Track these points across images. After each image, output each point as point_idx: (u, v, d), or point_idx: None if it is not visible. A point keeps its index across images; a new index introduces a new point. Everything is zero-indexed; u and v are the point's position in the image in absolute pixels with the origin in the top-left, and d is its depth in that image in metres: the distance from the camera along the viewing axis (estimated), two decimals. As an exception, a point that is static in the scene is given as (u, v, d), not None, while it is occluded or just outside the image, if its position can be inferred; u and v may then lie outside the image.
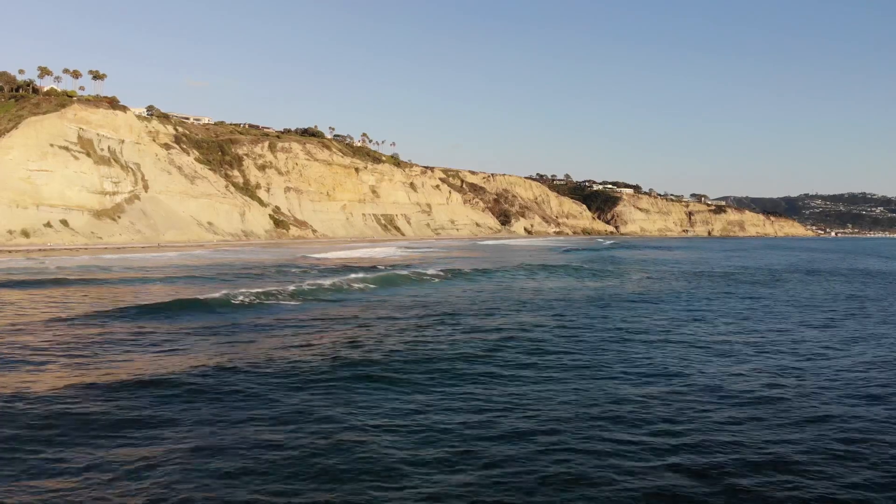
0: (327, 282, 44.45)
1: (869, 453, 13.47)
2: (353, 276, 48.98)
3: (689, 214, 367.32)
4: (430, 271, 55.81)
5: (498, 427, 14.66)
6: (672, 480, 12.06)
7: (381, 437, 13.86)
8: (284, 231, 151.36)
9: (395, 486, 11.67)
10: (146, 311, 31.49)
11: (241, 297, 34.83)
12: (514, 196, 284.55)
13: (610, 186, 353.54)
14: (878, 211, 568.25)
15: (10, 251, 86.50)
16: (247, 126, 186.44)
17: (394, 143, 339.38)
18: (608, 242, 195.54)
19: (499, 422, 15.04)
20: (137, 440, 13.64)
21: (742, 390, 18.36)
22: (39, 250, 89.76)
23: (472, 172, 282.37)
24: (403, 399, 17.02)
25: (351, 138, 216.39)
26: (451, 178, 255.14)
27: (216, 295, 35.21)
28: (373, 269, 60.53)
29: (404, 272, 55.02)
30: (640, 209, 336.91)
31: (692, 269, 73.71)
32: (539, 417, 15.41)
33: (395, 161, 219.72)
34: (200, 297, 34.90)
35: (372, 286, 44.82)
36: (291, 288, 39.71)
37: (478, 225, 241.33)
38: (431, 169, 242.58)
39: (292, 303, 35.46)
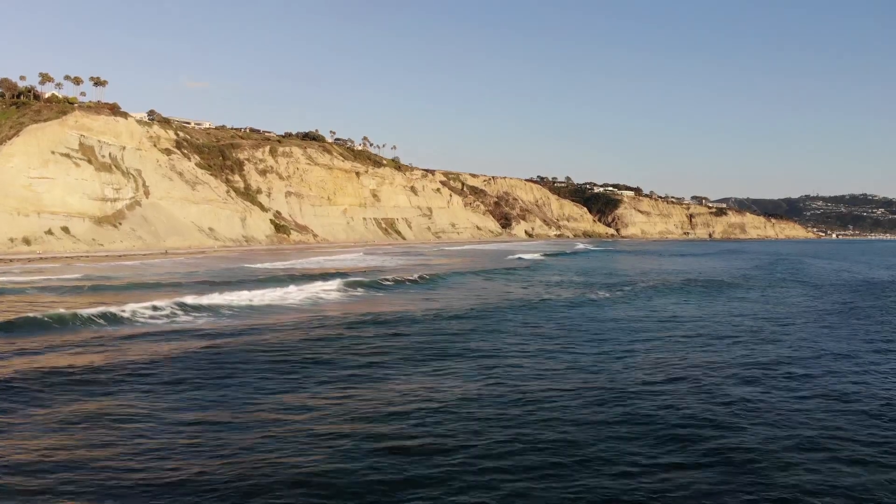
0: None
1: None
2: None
3: (690, 217, 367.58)
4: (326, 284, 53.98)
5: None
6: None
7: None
8: (285, 236, 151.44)
9: None
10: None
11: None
12: (514, 199, 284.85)
13: (611, 189, 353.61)
14: (879, 212, 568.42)
15: (10, 259, 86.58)
16: (248, 130, 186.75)
17: (395, 147, 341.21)
18: (580, 245, 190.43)
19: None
20: None
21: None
22: (40, 258, 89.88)
23: (473, 175, 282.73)
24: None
25: (352, 142, 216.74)
26: (451, 181, 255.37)
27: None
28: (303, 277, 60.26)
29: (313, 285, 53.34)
30: (640, 212, 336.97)
31: (590, 279, 72.01)
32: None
33: (396, 164, 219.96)
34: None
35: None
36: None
37: (478, 228, 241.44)
38: (432, 172, 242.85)
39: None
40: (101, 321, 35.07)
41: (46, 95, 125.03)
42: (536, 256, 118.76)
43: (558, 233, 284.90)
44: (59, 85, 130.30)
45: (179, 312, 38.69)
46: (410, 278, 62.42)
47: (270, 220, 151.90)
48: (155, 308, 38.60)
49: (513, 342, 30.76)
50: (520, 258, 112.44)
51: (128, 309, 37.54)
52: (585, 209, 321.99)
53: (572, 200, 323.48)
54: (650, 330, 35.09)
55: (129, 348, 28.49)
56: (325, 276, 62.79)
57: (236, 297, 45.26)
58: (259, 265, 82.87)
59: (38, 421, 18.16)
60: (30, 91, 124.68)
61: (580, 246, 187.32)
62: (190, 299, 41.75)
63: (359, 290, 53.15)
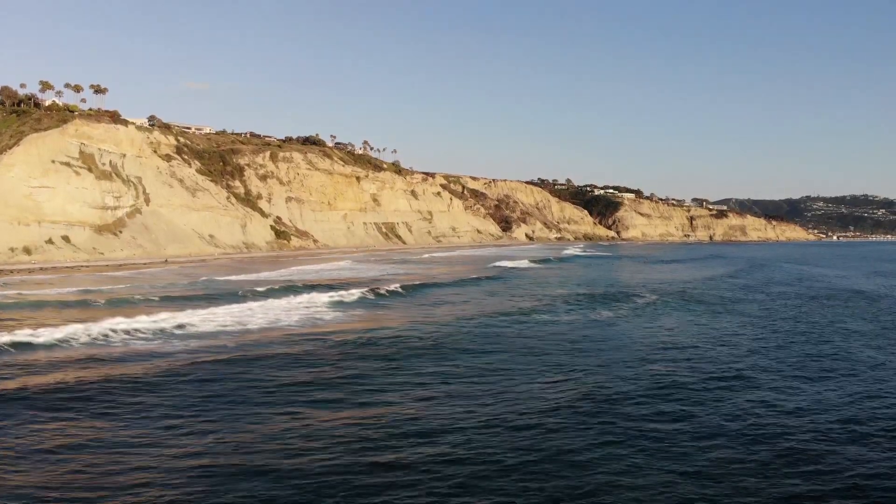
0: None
1: None
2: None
3: (691, 219, 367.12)
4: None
5: None
6: None
7: None
8: (286, 242, 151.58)
9: None
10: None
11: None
12: (515, 202, 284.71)
13: (611, 191, 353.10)
14: (880, 213, 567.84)
15: (11, 270, 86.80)
16: (248, 135, 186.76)
17: (395, 151, 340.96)
18: (569, 251, 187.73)
19: None
20: None
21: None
22: (40, 269, 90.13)
23: (474, 178, 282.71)
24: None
25: (352, 146, 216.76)
26: (452, 185, 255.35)
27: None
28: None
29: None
30: (641, 214, 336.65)
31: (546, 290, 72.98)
32: None
33: (397, 168, 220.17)
34: None
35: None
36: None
37: (479, 231, 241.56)
38: (432, 175, 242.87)
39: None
40: (85, 346, 35.23)
41: (47, 103, 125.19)
42: (522, 264, 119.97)
43: (559, 235, 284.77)
44: (59, 93, 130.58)
45: (161, 335, 39.10)
46: (388, 290, 65.57)
47: (271, 226, 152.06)
48: (141, 336, 38.75)
49: (454, 367, 31.97)
50: (502, 266, 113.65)
51: (114, 336, 37.72)
52: (586, 212, 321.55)
53: (573, 203, 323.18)
54: (569, 360, 35.01)
55: (109, 373, 28.48)
56: (299, 289, 64.38)
57: (221, 311, 46.31)
58: (246, 276, 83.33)
59: (19, 448, 18.31)
60: (30, 99, 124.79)
61: (569, 251, 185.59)
62: (168, 320, 42.47)
63: (325, 309, 53.37)
